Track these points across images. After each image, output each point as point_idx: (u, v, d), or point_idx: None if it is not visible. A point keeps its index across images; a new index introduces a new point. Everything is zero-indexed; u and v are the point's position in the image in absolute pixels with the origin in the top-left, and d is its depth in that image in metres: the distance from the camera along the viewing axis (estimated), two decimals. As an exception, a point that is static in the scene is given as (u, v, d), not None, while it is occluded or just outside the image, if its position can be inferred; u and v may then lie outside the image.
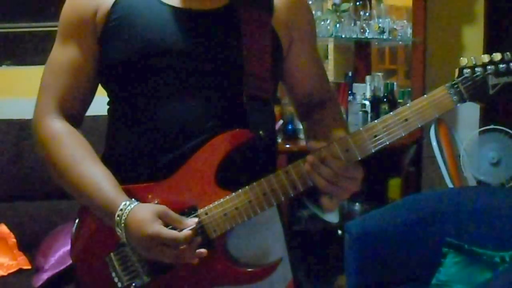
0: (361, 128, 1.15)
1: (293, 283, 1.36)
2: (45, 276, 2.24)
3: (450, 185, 2.80)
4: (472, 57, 1.12)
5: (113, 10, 1.19)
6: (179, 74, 1.17)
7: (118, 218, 1.11)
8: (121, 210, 1.11)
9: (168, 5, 1.20)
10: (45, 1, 3.04)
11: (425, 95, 1.13)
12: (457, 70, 1.12)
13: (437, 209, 2.41)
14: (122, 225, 1.11)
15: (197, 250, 1.12)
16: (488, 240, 2.29)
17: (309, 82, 1.35)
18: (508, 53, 1.12)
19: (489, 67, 1.11)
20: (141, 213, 1.10)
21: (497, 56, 1.11)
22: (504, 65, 1.10)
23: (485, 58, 1.11)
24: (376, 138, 1.14)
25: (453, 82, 1.12)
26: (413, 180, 2.92)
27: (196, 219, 1.14)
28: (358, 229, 2.34)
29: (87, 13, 1.20)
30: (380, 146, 1.14)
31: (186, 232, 1.10)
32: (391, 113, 1.14)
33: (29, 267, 2.41)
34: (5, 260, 2.41)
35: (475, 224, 2.35)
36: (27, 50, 3.08)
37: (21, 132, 2.62)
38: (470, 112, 3.00)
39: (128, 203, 1.12)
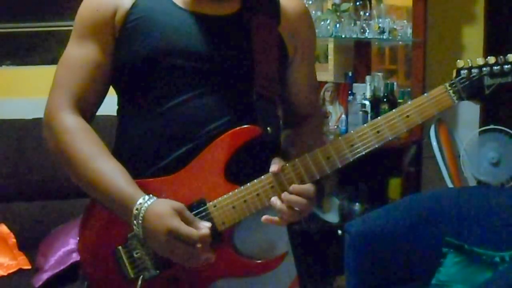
0: (364, 124, 1.22)
1: (298, 281, 1.40)
2: (45, 276, 2.24)
3: (450, 185, 2.80)
4: (468, 60, 1.21)
5: (132, 11, 1.24)
6: (193, 73, 1.22)
7: (136, 211, 1.13)
8: (140, 204, 1.14)
9: (184, 9, 1.25)
10: (45, 1, 3.04)
11: (425, 94, 1.21)
12: (454, 71, 1.21)
13: (437, 209, 2.41)
14: (140, 218, 1.13)
15: (207, 254, 1.15)
16: (488, 240, 2.29)
17: (302, 94, 1.42)
18: (501, 56, 1.20)
19: (484, 68, 1.19)
20: (160, 207, 1.13)
21: (492, 59, 1.20)
22: (498, 67, 1.19)
23: (480, 60, 1.20)
24: (379, 133, 1.20)
25: (451, 82, 1.20)
26: (413, 180, 2.91)
27: (209, 223, 1.16)
28: (358, 229, 2.34)
29: (107, 13, 1.24)
30: (382, 142, 1.21)
31: (203, 231, 1.13)
32: (394, 110, 1.21)
33: (29, 267, 2.41)
34: (5, 260, 2.42)
35: (475, 224, 2.35)
36: (27, 50, 3.08)
37: (21, 132, 2.63)
38: (470, 112, 3.00)
39: (147, 197, 1.15)
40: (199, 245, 1.12)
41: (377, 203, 2.82)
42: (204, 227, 1.14)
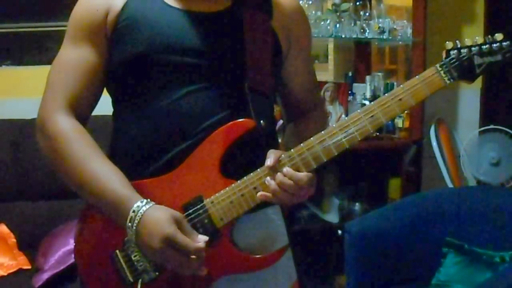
0: (358, 110, 1.21)
1: (298, 284, 1.38)
2: (45, 276, 2.24)
3: (450, 185, 2.80)
4: (456, 41, 1.23)
5: (123, 11, 1.24)
6: (186, 69, 1.22)
7: (133, 213, 1.12)
8: (137, 206, 1.13)
9: (175, 7, 1.26)
10: (45, 1, 3.04)
11: (416, 76, 1.21)
12: (444, 52, 1.22)
13: (437, 209, 2.41)
14: (136, 222, 1.12)
15: (199, 267, 1.14)
16: (488, 240, 2.29)
17: (301, 89, 1.42)
18: (489, 36, 1.22)
19: (473, 48, 1.21)
20: (158, 213, 1.12)
21: (480, 39, 1.22)
22: (486, 46, 1.21)
23: (468, 41, 1.22)
24: (373, 118, 1.19)
25: (442, 63, 1.21)
26: (413, 180, 2.91)
27: (206, 238, 1.15)
28: (358, 229, 2.34)
29: (99, 15, 1.24)
30: (377, 126, 1.20)
31: (200, 244, 1.12)
32: (386, 94, 1.21)
33: (29, 267, 2.41)
34: (5, 260, 2.42)
35: (475, 224, 2.35)
36: (27, 50, 3.08)
37: (21, 132, 2.63)
38: (470, 112, 3.00)
39: (145, 201, 1.14)
40: (193, 257, 1.11)
41: (377, 203, 2.82)
42: (201, 240, 1.13)
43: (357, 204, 3.00)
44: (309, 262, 2.93)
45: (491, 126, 2.71)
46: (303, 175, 1.18)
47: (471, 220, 2.36)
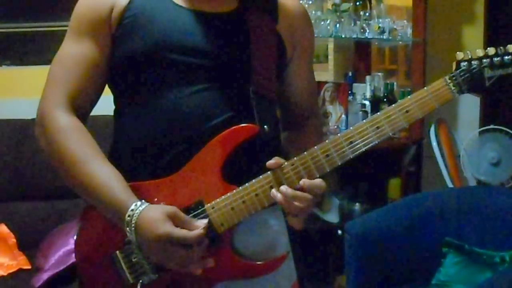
0: (364, 120, 1.19)
1: (297, 285, 1.37)
2: (45, 276, 2.23)
3: (450, 185, 2.80)
4: (468, 51, 1.19)
5: (129, 7, 1.23)
6: (191, 68, 1.21)
7: (128, 218, 1.12)
8: (132, 210, 1.12)
9: (181, 6, 1.25)
10: (45, 1, 3.04)
11: (425, 88, 1.18)
12: (454, 63, 1.19)
13: (437, 209, 2.41)
14: (133, 226, 1.12)
15: (204, 259, 1.14)
16: (488, 240, 2.30)
17: (301, 93, 1.40)
18: (501, 47, 1.18)
19: (484, 60, 1.17)
20: (151, 214, 1.11)
21: (492, 50, 1.18)
22: (498, 58, 1.17)
23: (480, 52, 1.18)
24: (379, 129, 1.18)
25: (451, 75, 1.18)
26: (413, 180, 2.92)
27: (205, 220, 1.15)
28: (358, 229, 2.34)
29: (103, 10, 1.23)
30: (383, 138, 1.18)
31: (197, 231, 1.12)
32: (393, 105, 1.19)
33: (29, 267, 2.41)
34: (5, 260, 2.41)
35: (475, 224, 2.35)
36: (27, 50, 3.08)
37: (21, 132, 2.62)
38: (470, 112, 3.00)
39: (139, 204, 1.13)
40: (195, 247, 1.11)
41: (377, 203, 2.82)
42: (199, 226, 1.13)
43: (357, 204, 2.99)
44: (309, 262, 2.93)
45: (491, 126, 2.71)
46: (320, 181, 1.17)
47: (471, 220, 2.36)
